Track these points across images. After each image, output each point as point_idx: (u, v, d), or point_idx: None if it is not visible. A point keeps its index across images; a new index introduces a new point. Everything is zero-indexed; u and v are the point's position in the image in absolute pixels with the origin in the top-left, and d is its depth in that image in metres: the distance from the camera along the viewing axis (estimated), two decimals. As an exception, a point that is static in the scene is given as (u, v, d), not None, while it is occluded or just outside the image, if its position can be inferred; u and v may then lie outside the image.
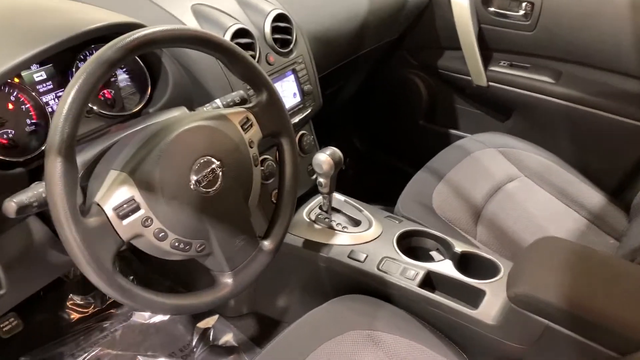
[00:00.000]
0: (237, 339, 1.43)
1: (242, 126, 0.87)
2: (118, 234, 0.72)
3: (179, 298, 0.79)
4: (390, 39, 1.76)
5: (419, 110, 1.98)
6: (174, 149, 0.77)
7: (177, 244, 0.78)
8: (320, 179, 1.12)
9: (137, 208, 0.73)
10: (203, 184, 0.79)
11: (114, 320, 1.47)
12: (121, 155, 0.76)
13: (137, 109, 1.01)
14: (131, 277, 1.56)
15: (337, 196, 1.30)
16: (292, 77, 1.24)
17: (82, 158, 0.79)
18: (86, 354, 1.37)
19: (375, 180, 2.14)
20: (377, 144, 2.20)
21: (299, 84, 1.25)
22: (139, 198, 0.73)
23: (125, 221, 0.72)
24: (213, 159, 0.80)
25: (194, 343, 1.43)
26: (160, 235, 0.76)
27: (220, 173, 0.81)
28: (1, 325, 1.13)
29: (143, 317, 1.48)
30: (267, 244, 0.91)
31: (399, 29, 1.76)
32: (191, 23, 1.11)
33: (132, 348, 1.41)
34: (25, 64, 0.83)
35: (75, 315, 1.45)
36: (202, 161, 0.79)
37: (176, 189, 0.77)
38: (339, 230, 1.20)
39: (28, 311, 0.98)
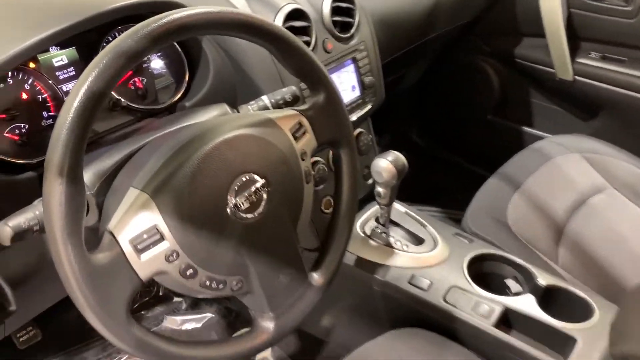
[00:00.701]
0: (276, 356, 1.29)
1: (293, 134, 0.70)
2: (135, 272, 0.58)
3: (210, 348, 0.64)
4: (463, 22, 1.55)
5: (488, 103, 1.78)
6: (210, 165, 0.61)
7: (208, 282, 0.63)
8: (379, 189, 0.96)
9: (160, 239, 0.59)
10: (243, 207, 0.63)
11: (144, 323, 1.36)
12: (144, 170, 0.61)
13: (172, 101, 0.86)
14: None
15: (397, 206, 1.13)
16: (351, 67, 1.06)
17: (101, 165, 0.65)
18: (112, 360, 1.26)
19: (436, 179, 1.95)
20: (438, 138, 2.01)
21: (359, 75, 1.08)
22: (163, 227, 0.58)
23: (145, 256, 0.58)
24: (257, 177, 0.65)
25: (228, 355, 1.30)
26: (188, 272, 0.61)
27: (265, 194, 0.65)
28: (18, 335, 1.02)
29: (175, 322, 1.36)
30: (317, 277, 0.75)
31: (474, 10, 1.56)
32: (239, 3, 0.94)
33: (162, 356, 1.29)
34: (41, 46, 0.70)
35: (102, 317, 1.34)
36: (243, 180, 0.63)
37: (210, 215, 0.61)
38: (398, 249, 1.03)
39: (49, 312, 0.87)
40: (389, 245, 1.05)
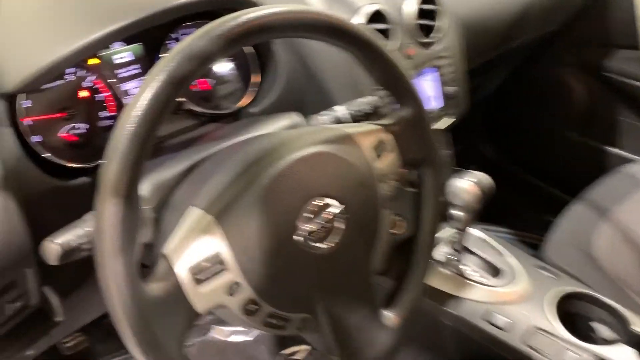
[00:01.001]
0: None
1: (374, 152, 0.62)
2: (192, 306, 0.51)
3: None
4: (551, 30, 1.42)
5: (571, 119, 1.63)
6: (282, 186, 0.54)
7: (271, 320, 0.55)
8: (457, 212, 0.86)
9: (222, 269, 0.52)
10: (315, 236, 0.55)
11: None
12: (208, 187, 0.54)
13: (238, 107, 0.79)
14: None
15: (473, 231, 1.02)
16: (432, 76, 0.97)
17: (160, 176, 0.59)
18: (157, 369, 1.21)
19: (507, 197, 1.82)
20: (512, 154, 1.86)
21: (441, 84, 0.98)
22: (227, 255, 0.51)
23: (204, 287, 0.51)
24: (332, 202, 0.56)
25: (276, 372, 1.24)
26: (249, 307, 0.53)
27: (340, 222, 0.57)
28: (63, 341, 0.99)
29: (223, 333, 1.30)
30: (392, 317, 0.66)
31: (564, 18, 1.42)
32: (315, 1, 0.86)
33: (208, 367, 1.23)
34: (104, 42, 0.65)
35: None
36: (316, 204, 0.55)
37: (278, 242, 0.54)
38: (473, 281, 0.93)
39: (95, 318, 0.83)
40: (462, 275, 0.94)
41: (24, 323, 0.68)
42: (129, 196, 0.45)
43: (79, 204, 0.56)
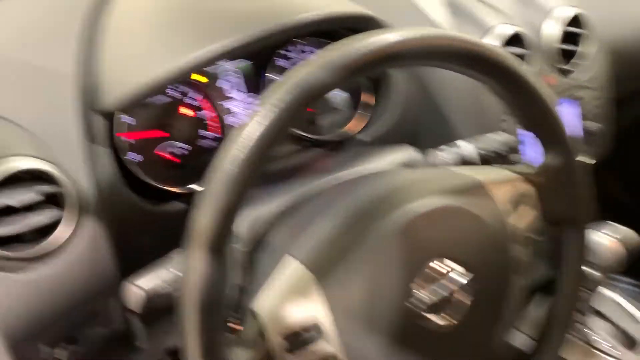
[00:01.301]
0: None
1: (512, 207, 0.51)
2: None
3: None
4: None
5: None
6: (397, 244, 0.45)
7: None
8: (592, 271, 0.73)
9: (320, 338, 0.44)
10: (432, 308, 0.46)
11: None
12: (310, 235, 0.47)
13: (348, 133, 0.72)
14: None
15: (607, 292, 0.88)
16: (570, 109, 0.84)
17: (255, 213, 0.53)
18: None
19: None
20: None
21: (581, 119, 0.85)
22: (325, 322, 0.44)
23: (296, 357, 0.43)
24: (457, 266, 0.47)
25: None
26: None
27: (468, 294, 0.47)
28: (146, 361, 0.97)
29: None
30: None
31: None
32: (440, 17, 0.77)
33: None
34: (211, 60, 0.60)
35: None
36: (438, 268, 0.46)
37: (386, 312, 0.45)
38: (603, 353, 0.79)
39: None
40: (589, 343, 0.81)
41: (108, 347, 0.65)
42: (221, 249, 0.38)
43: (170, 231, 0.51)
